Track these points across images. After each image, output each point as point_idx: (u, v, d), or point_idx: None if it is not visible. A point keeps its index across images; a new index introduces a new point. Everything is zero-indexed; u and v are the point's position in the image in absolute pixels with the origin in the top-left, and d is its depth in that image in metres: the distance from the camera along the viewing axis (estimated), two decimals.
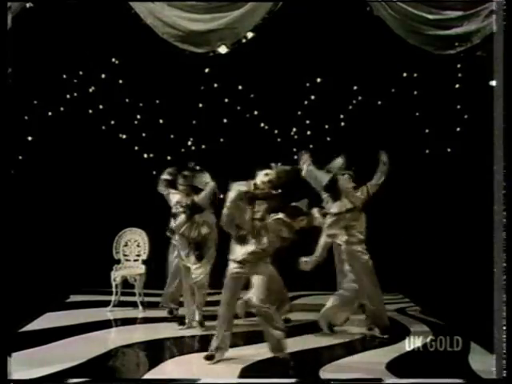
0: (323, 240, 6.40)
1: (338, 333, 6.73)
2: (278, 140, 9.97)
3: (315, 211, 6.10)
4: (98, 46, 8.97)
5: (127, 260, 8.24)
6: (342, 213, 6.64)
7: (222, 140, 9.87)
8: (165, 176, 7.40)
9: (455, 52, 6.41)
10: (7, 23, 5.21)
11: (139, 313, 7.77)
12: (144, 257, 8.21)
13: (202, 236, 6.92)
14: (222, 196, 6.34)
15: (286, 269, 7.22)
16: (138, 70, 9.37)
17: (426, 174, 9.39)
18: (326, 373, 5.29)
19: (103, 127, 9.74)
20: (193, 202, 6.97)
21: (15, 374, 4.79)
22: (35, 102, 9.30)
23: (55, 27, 8.47)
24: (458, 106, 9.45)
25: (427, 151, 9.71)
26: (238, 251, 5.58)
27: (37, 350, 5.86)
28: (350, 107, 9.84)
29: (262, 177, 5.68)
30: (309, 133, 9.98)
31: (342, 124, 9.91)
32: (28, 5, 6.33)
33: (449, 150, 9.60)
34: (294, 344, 6.10)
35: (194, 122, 9.89)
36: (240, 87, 9.82)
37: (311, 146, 9.87)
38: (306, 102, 9.84)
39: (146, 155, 9.88)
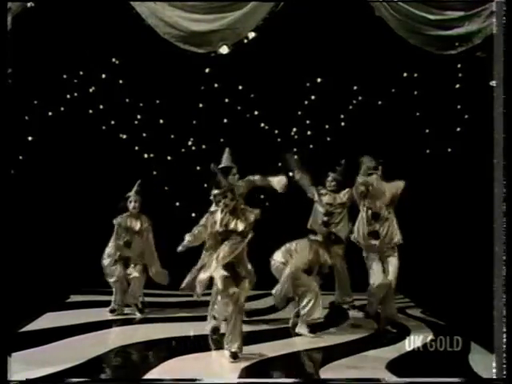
0: None
1: (338, 333, 6.73)
2: (279, 140, 9.97)
3: None
4: (99, 46, 8.98)
5: None
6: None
7: (222, 140, 9.87)
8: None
9: (456, 52, 6.43)
10: (7, 24, 5.21)
11: (139, 313, 7.76)
12: None
13: None
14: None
15: None
16: (138, 70, 9.38)
17: (427, 174, 9.39)
18: (326, 373, 5.28)
19: (103, 127, 9.74)
20: None
21: (15, 374, 4.78)
22: (35, 101, 9.30)
23: (56, 27, 8.49)
24: (459, 106, 9.45)
25: (428, 151, 9.71)
26: None
27: (37, 350, 5.84)
28: (351, 107, 9.85)
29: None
30: (309, 133, 9.98)
31: (343, 124, 9.92)
32: (29, 4, 6.33)
33: (449, 150, 9.60)
34: (294, 344, 6.11)
35: (194, 122, 9.90)
36: (240, 87, 9.83)
37: (311, 146, 9.92)
38: (306, 102, 9.84)
39: (146, 155, 9.89)
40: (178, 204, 9.79)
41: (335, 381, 5.11)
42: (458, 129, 9.51)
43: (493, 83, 4.97)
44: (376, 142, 9.05)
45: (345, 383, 5.13)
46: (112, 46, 9.07)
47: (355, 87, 9.76)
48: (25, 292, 7.09)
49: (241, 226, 5.53)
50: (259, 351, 5.83)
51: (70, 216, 9.33)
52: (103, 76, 9.51)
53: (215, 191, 5.75)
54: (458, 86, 9.21)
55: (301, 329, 6.64)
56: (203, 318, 6.89)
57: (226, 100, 9.87)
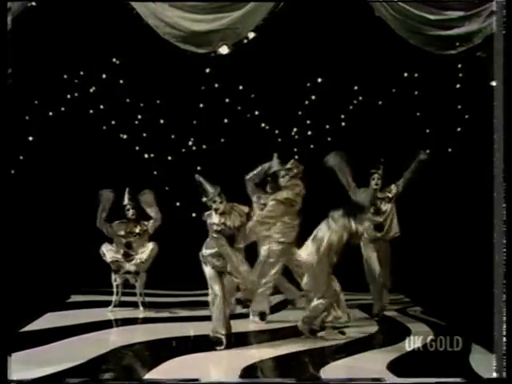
0: None
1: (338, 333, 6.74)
2: (279, 140, 9.97)
3: None
4: (99, 47, 8.98)
5: None
6: None
7: (222, 140, 9.87)
8: None
9: (456, 52, 6.40)
10: (7, 23, 5.21)
11: (140, 313, 7.77)
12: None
13: None
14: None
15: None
16: (139, 71, 9.39)
17: (427, 174, 9.37)
18: (326, 373, 5.28)
19: (104, 127, 9.75)
20: None
21: (15, 374, 4.78)
22: (36, 102, 9.31)
23: (56, 27, 8.49)
24: (459, 106, 9.45)
25: (428, 151, 9.69)
26: None
27: (37, 350, 5.84)
28: (351, 107, 9.85)
29: None
30: (309, 133, 9.98)
31: (343, 124, 9.91)
32: (29, 4, 6.33)
33: (450, 149, 9.60)
34: (294, 344, 6.11)
35: (194, 122, 9.90)
36: (241, 87, 9.83)
37: (312, 146, 9.91)
38: (306, 102, 9.84)
39: (146, 155, 9.89)
40: (178, 204, 9.79)
41: (335, 381, 5.11)
42: (459, 129, 9.51)
43: (493, 83, 4.97)
44: (376, 141, 9.06)
45: (345, 383, 5.13)
46: (112, 46, 9.08)
47: (356, 87, 9.76)
48: (25, 292, 7.10)
49: (237, 222, 6.17)
50: (259, 351, 5.83)
51: (70, 216, 9.33)
52: (104, 76, 9.52)
53: (204, 199, 6.26)
54: (458, 85, 9.21)
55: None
56: (203, 318, 6.90)
57: (227, 100, 9.87)
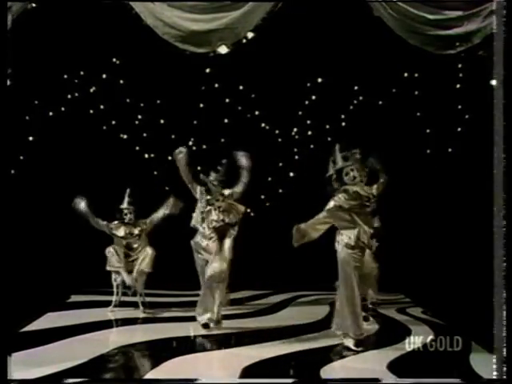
0: None
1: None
2: (279, 140, 9.97)
3: None
4: (99, 47, 8.99)
5: None
6: None
7: (222, 140, 9.87)
8: None
9: (455, 52, 6.40)
10: (7, 23, 5.21)
11: (140, 313, 7.77)
12: None
13: None
14: None
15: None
16: (138, 71, 9.39)
17: (427, 174, 9.39)
18: (326, 373, 5.28)
19: (104, 127, 9.75)
20: None
21: (15, 374, 4.79)
22: (36, 102, 9.32)
23: (56, 27, 8.49)
24: (459, 106, 9.45)
25: (428, 151, 9.71)
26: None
27: (37, 350, 5.84)
28: (351, 107, 9.85)
29: None
30: (309, 133, 9.98)
31: (343, 124, 9.91)
32: (30, 5, 6.33)
33: (450, 149, 9.60)
34: (294, 344, 6.11)
35: (194, 122, 9.90)
36: (241, 87, 9.83)
37: (312, 146, 9.92)
38: (306, 102, 9.85)
39: (146, 155, 9.89)
40: None
41: (335, 381, 5.11)
42: (459, 129, 9.51)
43: (493, 83, 4.97)
44: (376, 141, 9.05)
45: (345, 383, 5.13)
46: (112, 46, 9.08)
47: (356, 87, 9.76)
48: (25, 292, 7.10)
49: (234, 219, 6.79)
50: (259, 351, 5.83)
51: (70, 216, 9.31)
52: (104, 76, 9.52)
53: (208, 197, 6.77)
54: (458, 85, 9.21)
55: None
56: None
57: (227, 100, 9.87)
